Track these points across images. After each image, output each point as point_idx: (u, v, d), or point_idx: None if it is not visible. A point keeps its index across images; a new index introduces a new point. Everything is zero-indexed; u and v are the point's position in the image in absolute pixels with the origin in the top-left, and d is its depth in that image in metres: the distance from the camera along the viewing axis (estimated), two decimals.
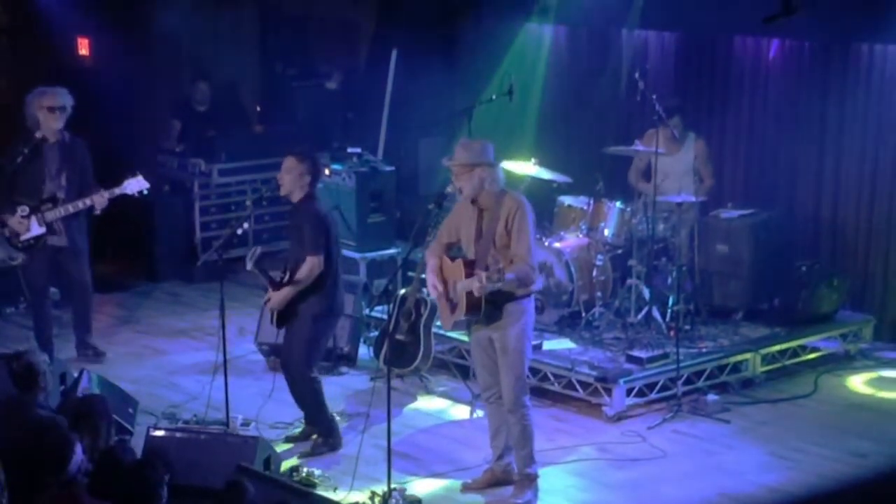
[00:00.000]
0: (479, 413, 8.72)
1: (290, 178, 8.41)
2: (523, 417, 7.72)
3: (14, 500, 6.15)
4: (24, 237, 9.69)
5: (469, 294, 7.51)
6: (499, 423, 7.90)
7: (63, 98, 9.69)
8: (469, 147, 7.69)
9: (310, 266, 8.21)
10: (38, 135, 9.66)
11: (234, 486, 6.02)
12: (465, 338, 9.73)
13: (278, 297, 8.28)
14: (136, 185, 9.70)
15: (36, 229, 9.66)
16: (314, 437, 8.56)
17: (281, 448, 8.31)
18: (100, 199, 9.59)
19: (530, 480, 7.80)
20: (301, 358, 8.37)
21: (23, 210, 9.65)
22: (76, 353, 10.05)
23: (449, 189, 9.17)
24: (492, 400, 7.87)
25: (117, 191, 9.68)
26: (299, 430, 8.69)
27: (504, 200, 7.57)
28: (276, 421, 8.90)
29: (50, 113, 9.63)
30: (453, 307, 7.68)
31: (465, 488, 7.96)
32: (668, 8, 10.88)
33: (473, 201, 7.64)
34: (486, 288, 7.40)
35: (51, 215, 9.65)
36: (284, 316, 8.36)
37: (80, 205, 9.63)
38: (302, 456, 8.38)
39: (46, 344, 9.87)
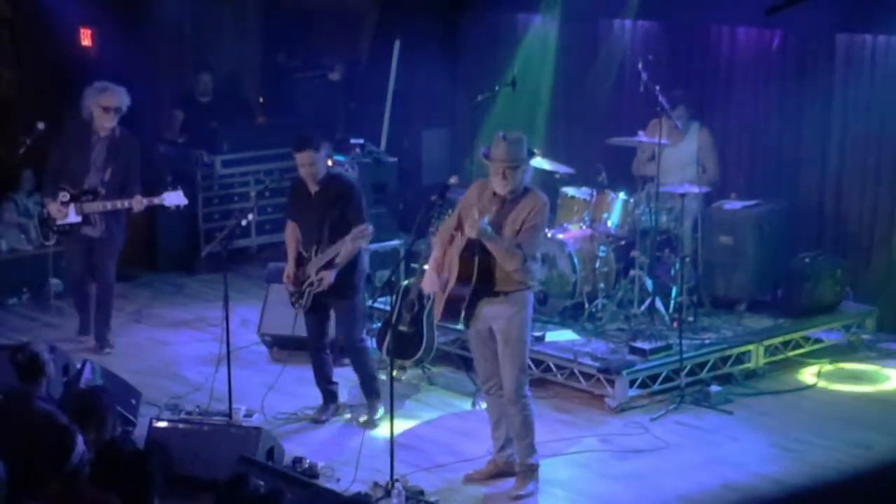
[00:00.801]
0: (483, 405, 8.70)
1: (321, 165, 8.49)
2: (524, 408, 7.72)
3: (17, 492, 6.15)
4: (60, 222, 9.87)
5: (462, 256, 7.46)
6: (499, 415, 7.90)
7: (119, 99, 9.84)
8: (518, 144, 7.57)
9: (363, 234, 8.37)
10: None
11: (236, 478, 6.01)
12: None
13: (331, 274, 8.41)
14: (174, 198, 9.91)
15: (73, 217, 9.84)
16: (362, 418, 8.67)
17: (284, 438, 8.30)
18: (137, 205, 9.80)
19: (532, 471, 7.80)
20: (359, 329, 8.74)
21: (64, 196, 9.83)
22: (94, 342, 10.18)
23: (451, 181, 9.17)
24: (492, 391, 7.87)
25: (156, 201, 9.88)
26: (315, 410, 8.85)
27: (529, 196, 7.55)
28: (280, 412, 8.90)
29: (105, 112, 9.81)
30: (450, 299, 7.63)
31: (468, 479, 7.96)
32: None
33: (495, 192, 7.60)
34: (480, 225, 7.29)
35: (89, 207, 9.83)
36: (327, 294, 8.49)
37: (119, 205, 9.80)
38: (365, 424, 8.56)
39: (85, 329, 10.19)
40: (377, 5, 13.37)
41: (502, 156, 7.49)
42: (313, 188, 8.51)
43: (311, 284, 8.53)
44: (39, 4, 12.31)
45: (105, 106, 9.79)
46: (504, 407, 7.80)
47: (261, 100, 13.80)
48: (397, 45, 12.06)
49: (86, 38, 12.83)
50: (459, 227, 7.65)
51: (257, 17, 13.88)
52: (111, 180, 9.80)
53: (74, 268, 10.16)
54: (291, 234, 8.70)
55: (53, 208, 9.84)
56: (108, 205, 9.78)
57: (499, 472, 7.98)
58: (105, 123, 9.80)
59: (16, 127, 11.30)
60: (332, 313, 8.75)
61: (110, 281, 10.13)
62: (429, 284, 7.81)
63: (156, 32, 12.67)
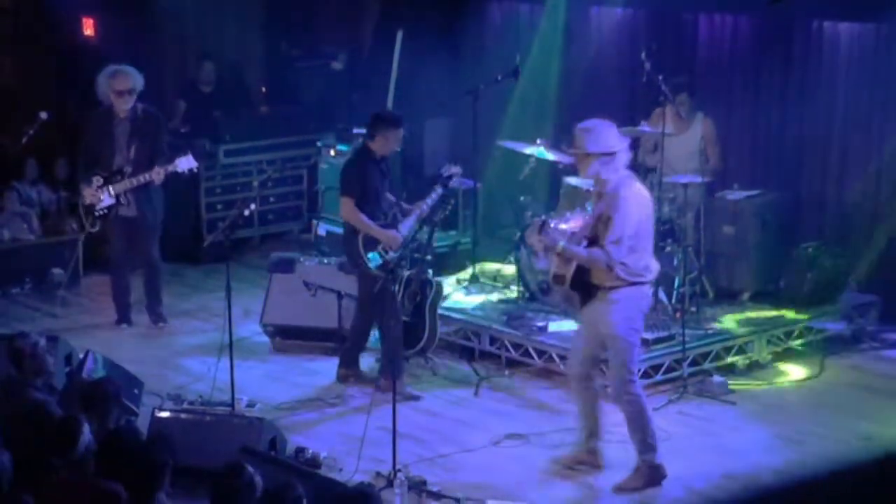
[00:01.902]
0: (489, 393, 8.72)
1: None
2: (629, 404, 7.70)
3: (22, 481, 6.16)
4: (98, 207, 10.09)
5: (557, 261, 7.68)
6: (582, 405, 7.94)
7: (132, 80, 10.02)
8: (584, 133, 7.60)
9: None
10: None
11: (232, 468, 6.01)
12: (471, 319, 9.76)
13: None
14: (186, 163, 10.05)
15: (108, 200, 10.08)
16: (380, 382, 8.81)
17: (286, 429, 8.30)
18: (157, 177, 9.98)
19: (647, 468, 7.74)
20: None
21: (97, 181, 10.06)
22: (148, 318, 10.44)
23: (453, 170, 9.19)
24: (580, 380, 7.89)
25: (170, 168, 10.02)
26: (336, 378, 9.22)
27: (614, 189, 7.54)
28: (282, 402, 8.91)
29: (119, 96, 9.99)
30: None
31: (558, 461, 8.00)
32: None
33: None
34: (561, 247, 7.59)
35: (118, 187, 10.04)
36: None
37: (141, 179, 9.97)
38: (384, 388, 8.62)
39: (124, 314, 10.36)
40: None
41: (573, 144, 7.68)
42: (382, 160, 9.13)
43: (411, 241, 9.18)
44: None
45: (118, 90, 9.97)
46: (590, 398, 7.87)
47: (263, 89, 13.79)
48: (400, 34, 12.03)
49: (88, 28, 12.82)
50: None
51: (260, 7, 13.86)
52: (136, 157, 10.01)
53: (117, 254, 10.35)
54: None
55: (89, 193, 10.06)
56: (133, 181, 9.98)
57: (581, 461, 7.99)
58: (122, 106, 10.00)
59: (18, 116, 11.29)
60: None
61: (154, 261, 10.36)
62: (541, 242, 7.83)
63: (158, 22, 12.66)
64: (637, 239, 7.53)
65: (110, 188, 10.04)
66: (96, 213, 10.12)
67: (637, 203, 7.55)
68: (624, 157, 7.61)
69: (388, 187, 9.18)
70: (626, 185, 7.56)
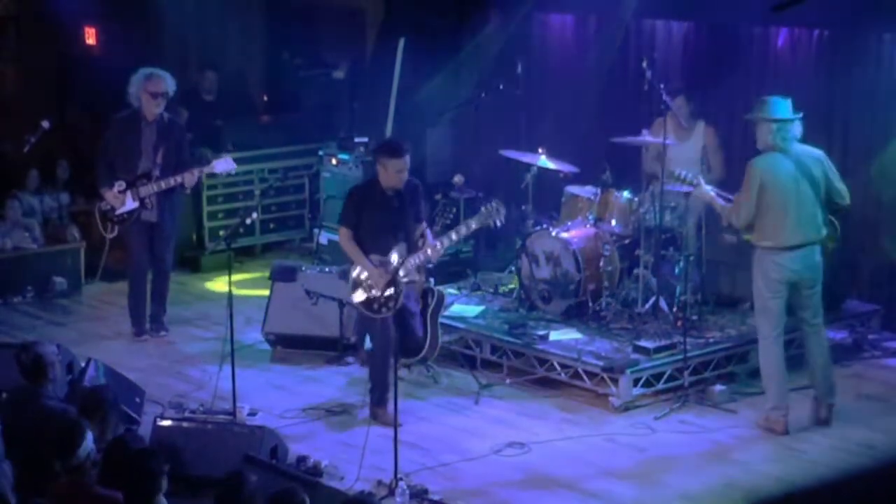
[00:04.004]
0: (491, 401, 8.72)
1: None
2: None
3: (25, 487, 6.17)
4: (119, 211, 10.08)
5: None
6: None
7: (167, 85, 10.09)
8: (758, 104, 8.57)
9: (425, 232, 8.68)
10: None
11: (234, 477, 6.02)
12: (472, 328, 9.75)
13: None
14: (223, 165, 10.18)
15: (130, 204, 10.06)
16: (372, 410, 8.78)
17: (288, 437, 8.30)
18: (190, 178, 10.03)
19: (773, 420, 8.56)
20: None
21: (119, 185, 10.06)
22: (149, 325, 10.37)
23: (455, 180, 9.20)
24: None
25: (206, 170, 10.14)
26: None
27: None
28: (284, 410, 8.90)
29: (152, 98, 10.02)
30: None
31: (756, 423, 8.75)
32: None
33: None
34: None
35: (144, 190, 10.04)
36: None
37: (172, 181, 10.01)
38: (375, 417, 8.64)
39: (138, 320, 10.31)
40: (382, 3, 13.37)
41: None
42: (393, 192, 8.63)
43: (411, 282, 8.67)
44: (44, 3, 12.33)
45: (153, 92, 10.00)
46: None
47: (265, 98, 13.81)
48: (401, 43, 12.05)
49: (90, 37, 12.86)
50: None
51: (262, 16, 13.89)
52: (163, 163, 10.04)
53: (138, 258, 10.29)
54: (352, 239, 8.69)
55: (111, 196, 10.06)
56: (163, 184, 10.00)
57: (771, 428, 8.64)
58: (154, 109, 10.03)
59: (21, 125, 11.31)
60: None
61: (167, 269, 10.39)
62: None
63: (160, 31, 12.68)
64: None
65: (136, 191, 10.01)
66: (116, 218, 10.09)
67: None
68: None
69: (408, 217, 8.65)
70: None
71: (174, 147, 10.11)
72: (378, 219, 8.63)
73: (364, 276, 8.58)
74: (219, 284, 11.34)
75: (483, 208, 8.66)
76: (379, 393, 8.71)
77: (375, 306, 8.57)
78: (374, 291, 8.56)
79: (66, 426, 6.30)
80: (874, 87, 10.34)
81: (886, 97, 10.31)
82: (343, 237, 8.73)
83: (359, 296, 8.61)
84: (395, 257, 8.57)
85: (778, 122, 8.49)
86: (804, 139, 10.56)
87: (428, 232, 8.71)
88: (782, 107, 8.53)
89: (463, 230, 8.70)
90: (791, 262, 8.51)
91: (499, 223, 8.66)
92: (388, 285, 8.52)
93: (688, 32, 11.36)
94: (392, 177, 8.55)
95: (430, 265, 9.02)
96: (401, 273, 8.52)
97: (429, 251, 8.58)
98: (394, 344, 8.37)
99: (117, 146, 10.13)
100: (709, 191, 8.79)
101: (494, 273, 10.91)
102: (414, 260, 8.60)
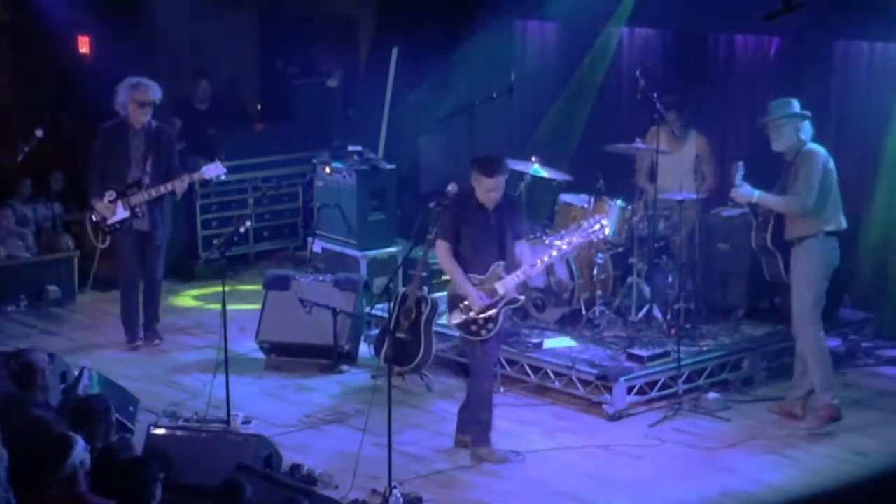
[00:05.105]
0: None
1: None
2: (807, 343, 8.72)
3: (18, 496, 6.15)
4: (110, 221, 10.09)
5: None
6: (799, 361, 8.89)
7: (153, 93, 10.10)
8: (778, 104, 8.67)
9: (528, 249, 8.25)
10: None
11: (232, 485, 6.02)
12: (467, 336, 9.75)
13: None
14: (213, 170, 10.16)
15: (121, 213, 10.08)
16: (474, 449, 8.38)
17: (282, 445, 8.29)
18: (180, 185, 10.04)
19: (824, 409, 8.64)
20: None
21: (110, 195, 10.08)
22: (142, 334, 10.36)
23: (449, 188, 9.15)
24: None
25: (196, 176, 10.14)
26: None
27: (803, 155, 8.57)
28: (278, 419, 8.90)
29: (139, 107, 10.05)
30: None
31: (772, 408, 9.03)
32: (667, 5, 10.86)
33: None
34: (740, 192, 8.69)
35: (135, 199, 10.05)
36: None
37: (163, 189, 10.02)
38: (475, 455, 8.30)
39: (136, 333, 10.30)
40: (375, 12, 13.39)
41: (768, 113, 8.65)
42: (491, 205, 8.12)
43: (512, 302, 8.16)
44: (38, 11, 12.33)
45: (140, 100, 10.02)
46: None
47: (259, 107, 13.81)
48: (395, 51, 12.07)
49: (84, 46, 12.85)
50: None
51: (255, 24, 13.90)
52: (153, 171, 10.04)
53: (129, 267, 10.29)
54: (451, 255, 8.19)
55: (101, 207, 10.07)
56: (153, 192, 10.01)
57: (786, 413, 8.91)
58: (141, 118, 10.04)
59: (14, 134, 11.31)
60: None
61: (159, 278, 10.38)
62: None
63: (154, 39, 12.68)
64: None
65: (127, 200, 10.02)
66: (107, 228, 10.10)
67: None
68: None
69: (507, 234, 8.10)
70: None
71: (163, 154, 10.11)
72: (476, 234, 8.11)
73: (462, 295, 8.11)
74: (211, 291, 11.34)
75: (584, 222, 8.24)
76: (481, 427, 8.25)
77: (473, 328, 8.11)
78: (471, 313, 8.08)
79: (53, 439, 6.28)
80: (865, 97, 10.36)
81: (877, 106, 10.33)
82: (441, 252, 8.20)
83: (456, 317, 8.14)
84: (496, 276, 8.07)
85: (807, 117, 8.67)
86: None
87: (526, 248, 8.22)
88: (798, 104, 8.74)
89: (564, 247, 8.21)
90: (839, 248, 8.80)
91: (601, 237, 8.39)
92: (487, 307, 8.08)
93: (679, 41, 11.38)
94: (482, 194, 8.06)
95: (531, 285, 8.54)
96: (500, 293, 8.05)
97: (528, 269, 8.09)
98: (494, 369, 8.00)
99: (106, 156, 10.13)
100: (751, 190, 8.76)
101: None
102: (513, 279, 8.06)
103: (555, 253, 8.21)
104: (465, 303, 8.08)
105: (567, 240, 8.20)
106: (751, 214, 9.11)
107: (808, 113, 8.71)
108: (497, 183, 8.04)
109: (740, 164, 8.79)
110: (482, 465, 8.23)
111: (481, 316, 8.07)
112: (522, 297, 8.29)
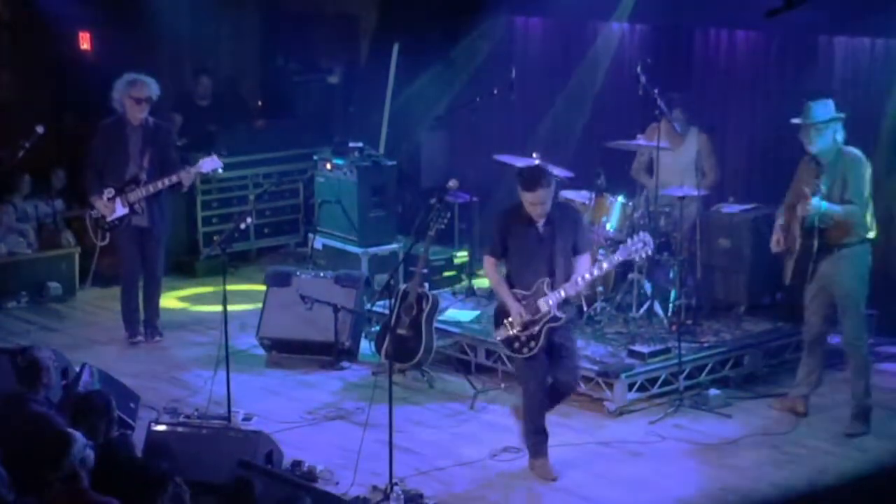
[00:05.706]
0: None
1: (550, 201, 7.90)
2: (856, 354, 8.73)
3: (20, 491, 6.15)
4: (109, 218, 10.10)
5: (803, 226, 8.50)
6: (807, 360, 8.93)
7: (150, 90, 10.10)
8: (816, 105, 8.44)
9: (591, 260, 8.19)
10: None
11: (242, 483, 6.02)
12: (467, 332, 9.75)
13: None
14: (210, 164, 10.16)
15: (120, 210, 10.08)
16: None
17: (283, 442, 8.29)
18: (186, 176, 10.05)
19: (863, 412, 8.68)
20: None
21: (108, 192, 10.08)
22: (143, 330, 10.36)
23: (450, 184, 9.13)
24: (813, 341, 8.89)
25: (193, 170, 10.12)
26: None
27: (843, 156, 8.45)
28: (279, 415, 8.90)
29: (136, 104, 10.06)
30: None
31: (772, 404, 9.06)
32: (667, 1, 10.86)
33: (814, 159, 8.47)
34: (812, 205, 8.32)
35: (133, 196, 10.05)
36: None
37: (166, 182, 10.03)
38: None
39: (136, 328, 10.31)
40: (376, 9, 13.39)
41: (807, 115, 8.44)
42: (541, 218, 7.89)
43: (553, 320, 7.89)
44: (38, 8, 12.32)
45: (137, 97, 10.02)
46: (815, 356, 8.85)
47: (260, 103, 13.81)
48: (396, 48, 12.07)
49: (84, 42, 12.85)
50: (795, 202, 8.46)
51: (256, 21, 13.90)
52: (150, 167, 10.04)
53: (129, 263, 10.29)
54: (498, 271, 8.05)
55: (101, 205, 10.07)
56: (151, 188, 10.01)
57: (787, 408, 8.94)
58: (137, 114, 10.05)
59: (15, 131, 11.30)
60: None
61: (159, 274, 10.38)
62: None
63: (155, 36, 12.68)
64: None
65: (125, 197, 10.03)
66: (107, 225, 10.11)
67: None
68: None
69: (557, 249, 7.86)
70: None
71: (161, 150, 10.13)
72: (521, 248, 7.92)
73: (507, 311, 7.95)
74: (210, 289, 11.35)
75: (629, 240, 8.01)
76: (532, 441, 8.10)
77: (516, 345, 7.95)
78: (514, 330, 7.94)
79: (52, 436, 6.29)
80: (866, 94, 10.35)
81: (879, 104, 10.31)
82: (488, 267, 8.11)
83: (500, 333, 8.00)
84: (540, 292, 7.85)
85: (844, 118, 8.59)
86: (798, 149, 10.61)
87: (586, 262, 7.99)
88: (834, 105, 8.62)
89: (605, 265, 8.09)
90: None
91: (644, 256, 8.17)
92: (529, 324, 7.92)
93: (681, 38, 11.38)
94: (528, 208, 7.83)
95: (574, 303, 8.20)
96: (542, 310, 7.85)
97: (568, 287, 7.83)
98: (544, 386, 7.86)
99: (105, 153, 10.14)
100: (820, 202, 8.36)
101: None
102: (555, 297, 7.83)
103: (596, 272, 8.03)
104: (510, 319, 7.93)
105: (610, 258, 8.12)
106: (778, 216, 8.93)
107: (844, 115, 8.56)
108: (537, 197, 7.75)
109: (822, 185, 8.49)
110: (479, 462, 8.23)
111: (524, 333, 7.91)
112: (564, 316, 7.90)
